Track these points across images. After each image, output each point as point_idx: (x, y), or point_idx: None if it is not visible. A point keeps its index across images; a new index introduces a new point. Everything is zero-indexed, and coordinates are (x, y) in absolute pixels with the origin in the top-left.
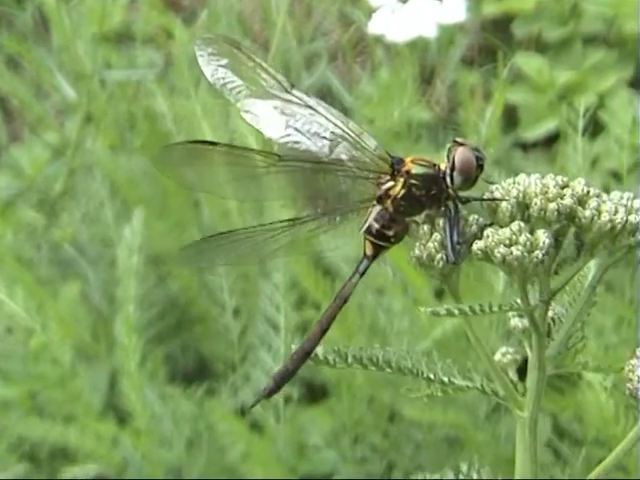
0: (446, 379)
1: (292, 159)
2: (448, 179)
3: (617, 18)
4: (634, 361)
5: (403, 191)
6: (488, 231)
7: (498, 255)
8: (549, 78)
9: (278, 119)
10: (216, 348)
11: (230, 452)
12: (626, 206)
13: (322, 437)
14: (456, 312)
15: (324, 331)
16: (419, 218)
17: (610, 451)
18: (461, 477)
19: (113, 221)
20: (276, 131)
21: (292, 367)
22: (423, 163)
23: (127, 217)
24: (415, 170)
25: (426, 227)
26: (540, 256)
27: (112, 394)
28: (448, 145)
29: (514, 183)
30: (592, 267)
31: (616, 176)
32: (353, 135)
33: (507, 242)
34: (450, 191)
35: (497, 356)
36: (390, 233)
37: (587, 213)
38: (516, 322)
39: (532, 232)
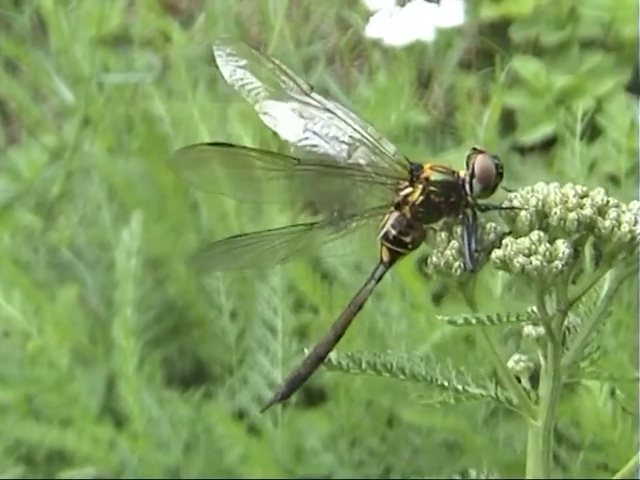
0: (460, 387)
1: (311, 163)
2: (467, 187)
3: (615, 22)
4: None
5: (421, 198)
6: (507, 240)
7: (517, 265)
8: (546, 82)
9: (296, 122)
10: (213, 351)
11: (228, 455)
12: None
13: (320, 440)
14: (473, 321)
15: (338, 337)
16: (437, 225)
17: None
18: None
19: (111, 224)
20: (294, 134)
21: (304, 372)
22: (442, 170)
23: (125, 220)
24: (434, 177)
25: (444, 234)
26: (560, 266)
27: (109, 397)
28: (468, 152)
29: (533, 192)
30: (607, 277)
31: (614, 180)
32: (372, 140)
33: (526, 252)
34: (469, 199)
35: (510, 363)
36: (407, 239)
37: (607, 223)
38: (530, 330)
39: (551, 242)
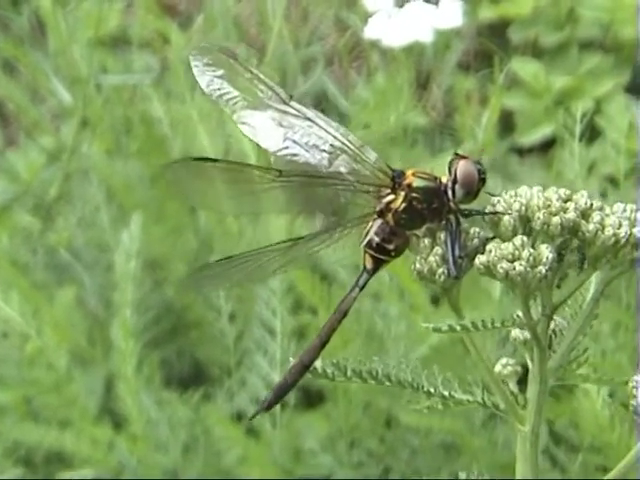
0: (446, 393)
1: (292, 174)
2: (450, 192)
3: (613, 23)
4: (638, 377)
5: (404, 204)
6: (490, 245)
7: (501, 270)
8: (545, 83)
9: (276, 131)
10: (212, 353)
11: (226, 456)
12: (629, 219)
13: (318, 442)
14: (458, 328)
15: (323, 344)
16: (420, 231)
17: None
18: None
19: (109, 226)
20: (274, 143)
21: (291, 380)
22: (424, 176)
23: (123, 222)
24: (416, 183)
25: (427, 240)
26: (543, 271)
27: (108, 398)
28: (450, 158)
29: (516, 196)
30: (593, 279)
31: (613, 181)
32: (353, 147)
33: (510, 257)
34: (452, 204)
35: (497, 367)
36: (391, 247)
37: (591, 227)
38: (517, 334)
39: (534, 246)
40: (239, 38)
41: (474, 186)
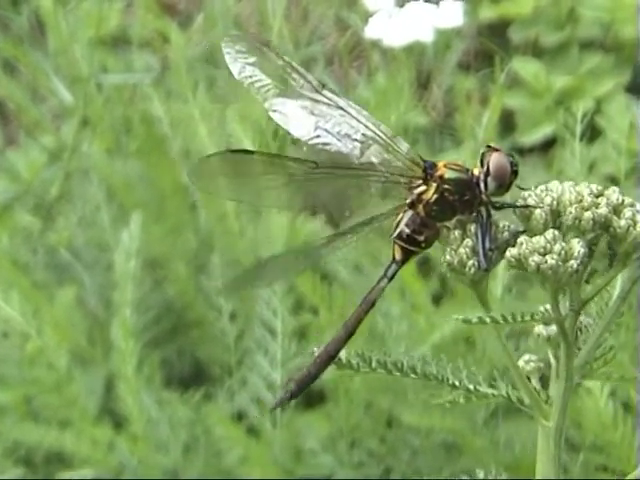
0: (472, 386)
1: (329, 166)
2: (482, 184)
3: (614, 23)
4: None
5: (436, 196)
6: (522, 239)
7: (532, 263)
8: (546, 83)
9: (307, 119)
10: (212, 352)
11: (227, 456)
12: None
13: (319, 442)
14: (488, 320)
15: (350, 335)
16: (450, 223)
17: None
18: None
19: (109, 225)
20: (305, 132)
21: (315, 371)
22: (457, 168)
23: (123, 221)
24: (448, 175)
25: (458, 232)
26: (575, 266)
27: (108, 398)
28: (482, 150)
29: (547, 190)
30: (619, 277)
31: (613, 181)
32: (385, 138)
33: (542, 250)
34: (483, 197)
35: (520, 363)
36: (421, 238)
37: (622, 223)
38: (540, 330)
39: (565, 240)
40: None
41: (506, 179)
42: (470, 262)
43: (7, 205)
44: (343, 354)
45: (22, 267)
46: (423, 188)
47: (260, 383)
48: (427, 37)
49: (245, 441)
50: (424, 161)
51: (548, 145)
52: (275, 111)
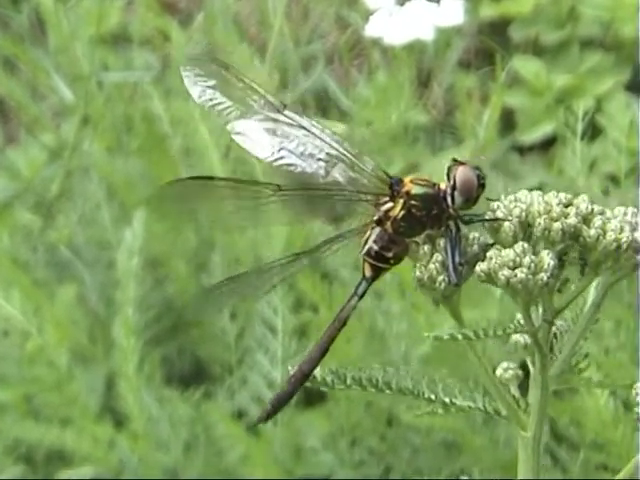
0: (447, 400)
1: (291, 188)
2: (449, 199)
3: (614, 22)
4: None
5: (403, 212)
6: (491, 252)
7: (502, 278)
8: (546, 81)
9: (270, 140)
10: (213, 351)
11: (227, 455)
12: (631, 223)
13: (319, 440)
14: (459, 336)
15: (323, 353)
16: (419, 238)
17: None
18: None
19: (110, 223)
20: (269, 153)
21: (290, 390)
22: (423, 183)
23: (124, 219)
24: (415, 190)
25: (427, 248)
26: (545, 278)
27: (109, 397)
28: (448, 164)
29: (516, 201)
30: (594, 283)
31: (614, 179)
32: (349, 156)
33: (511, 264)
34: (451, 211)
35: (498, 371)
36: (389, 255)
37: (592, 232)
38: (517, 338)
39: (535, 252)
40: (239, 36)
41: (473, 192)
42: (440, 277)
43: (7, 203)
44: (317, 372)
45: (22, 265)
46: (390, 205)
47: (260, 381)
48: (427, 35)
49: (245, 439)
50: (390, 178)
51: (548, 144)
52: (238, 133)
